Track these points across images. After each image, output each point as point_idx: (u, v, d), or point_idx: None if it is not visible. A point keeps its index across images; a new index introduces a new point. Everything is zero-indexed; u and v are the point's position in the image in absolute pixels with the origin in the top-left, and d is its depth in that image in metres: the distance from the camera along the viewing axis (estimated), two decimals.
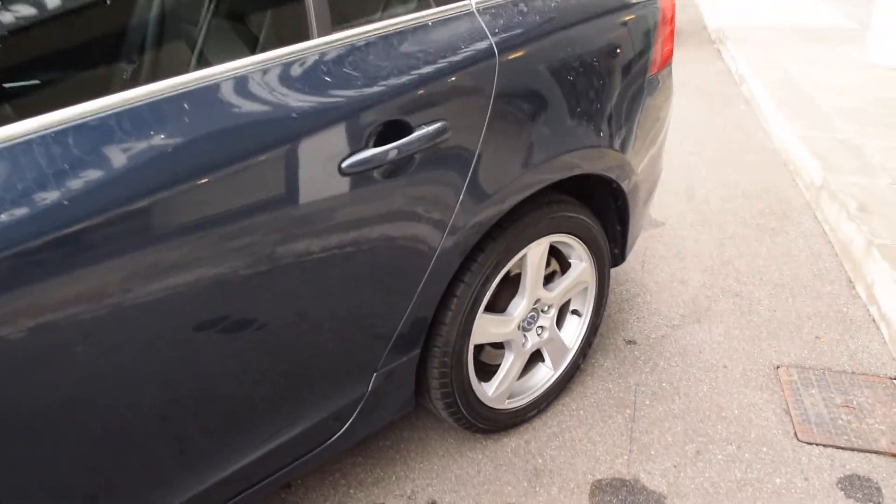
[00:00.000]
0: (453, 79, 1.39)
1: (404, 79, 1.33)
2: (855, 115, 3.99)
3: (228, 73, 1.15)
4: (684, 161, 3.87)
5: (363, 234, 1.33)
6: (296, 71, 1.22)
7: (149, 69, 1.33)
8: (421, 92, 1.34)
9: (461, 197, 1.46)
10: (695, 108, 4.81)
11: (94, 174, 1.00)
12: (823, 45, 5.77)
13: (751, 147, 4.03)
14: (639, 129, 1.92)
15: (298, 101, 1.20)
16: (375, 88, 1.29)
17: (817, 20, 6.96)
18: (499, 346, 1.93)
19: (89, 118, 1.02)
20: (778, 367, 2.21)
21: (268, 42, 1.30)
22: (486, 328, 1.73)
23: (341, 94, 1.25)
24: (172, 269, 1.08)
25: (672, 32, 2.01)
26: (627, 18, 1.79)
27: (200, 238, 1.10)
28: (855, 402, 2.06)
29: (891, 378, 2.18)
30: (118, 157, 1.02)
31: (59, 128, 0.99)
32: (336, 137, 1.24)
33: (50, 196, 0.96)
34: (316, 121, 1.21)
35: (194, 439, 1.25)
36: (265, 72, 1.19)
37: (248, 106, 1.15)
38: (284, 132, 1.18)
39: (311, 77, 1.23)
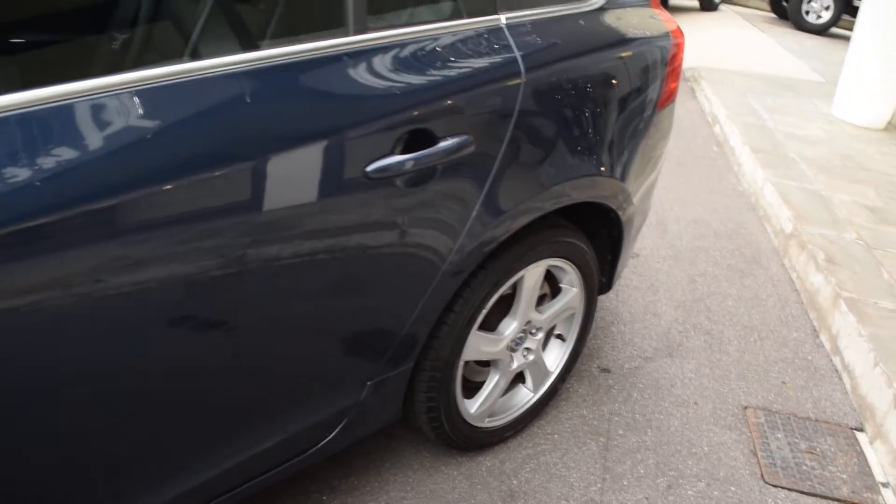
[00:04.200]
0: (480, 92, 1.38)
1: (434, 87, 1.31)
2: (823, 167, 4.13)
3: (263, 62, 1.11)
4: (658, 196, 3.93)
5: (378, 242, 1.30)
6: (329, 67, 1.19)
7: (145, 43, 1.20)
8: (448, 102, 1.33)
9: (475, 212, 1.44)
10: (669, 144, 4.90)
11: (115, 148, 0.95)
12: (792, 96, 5.96)
13: (722, 188, 4.12)
14: (639, 162, 1.93)
15: (329, 99, 1.17)
16: (405, 94, 1.26)
17: (786, 71, 7.20)
18: (483, 363, 1.91)
19: (76, 99, 0.94)
20: (746, 408, 2.25)
21: (298, 30, 1.26)
22: (477, 345, 1.71)
23: (372, 97, 1.22)
24: (159, 262, 1.02)
25: (678, 70, 2.04)
26: (641, 50, 1.80)
27: (213, 231, 1.06)
28: (818, 449, 2.11)
29: (851, 428, 2.24)
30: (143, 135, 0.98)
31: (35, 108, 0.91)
32: (363, 141, 1.21)
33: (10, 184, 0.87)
34: (345, 122, 1.18)
35: (169, 441, 1.19)
36: (296, 66, 1.15)
37: (278, 100, 1.12)
38: (312, 131, 1.14)
39: (343, 75, 1.20)
